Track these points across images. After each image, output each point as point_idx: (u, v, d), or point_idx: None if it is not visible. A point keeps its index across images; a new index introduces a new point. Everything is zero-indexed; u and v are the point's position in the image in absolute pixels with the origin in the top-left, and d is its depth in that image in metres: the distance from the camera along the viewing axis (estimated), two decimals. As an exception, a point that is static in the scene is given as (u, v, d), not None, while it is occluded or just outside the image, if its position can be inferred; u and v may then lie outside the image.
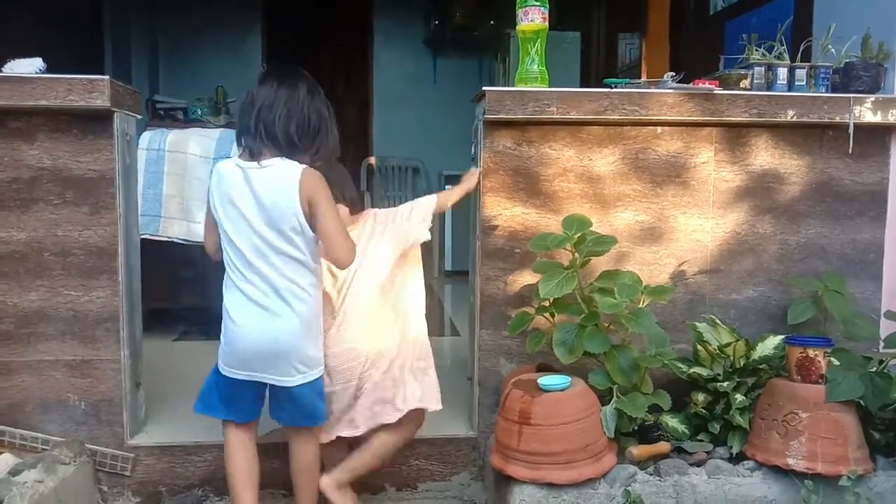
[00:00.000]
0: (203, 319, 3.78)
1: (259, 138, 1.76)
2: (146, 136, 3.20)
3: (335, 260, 1.79)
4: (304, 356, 1.79)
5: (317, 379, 1.83)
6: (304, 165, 1.76)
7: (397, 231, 2.00)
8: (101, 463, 2.15)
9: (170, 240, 3.19)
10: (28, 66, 2.09)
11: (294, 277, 1.76)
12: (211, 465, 2.18)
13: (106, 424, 2.17)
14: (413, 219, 2.03)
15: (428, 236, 2.02)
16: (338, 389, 1.94)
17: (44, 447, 2.10)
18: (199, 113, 4.35)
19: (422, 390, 1.99)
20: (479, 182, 2.21)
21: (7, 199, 2.11)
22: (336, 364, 1.92)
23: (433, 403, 2.00)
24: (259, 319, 1.76)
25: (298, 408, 1.83)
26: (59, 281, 2.14)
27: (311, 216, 1.74)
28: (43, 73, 2.09)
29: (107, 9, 5.45)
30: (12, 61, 2.12)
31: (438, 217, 6.23)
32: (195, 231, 3.18)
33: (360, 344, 1.93)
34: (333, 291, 1.95)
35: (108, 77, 2.04)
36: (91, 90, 2.02)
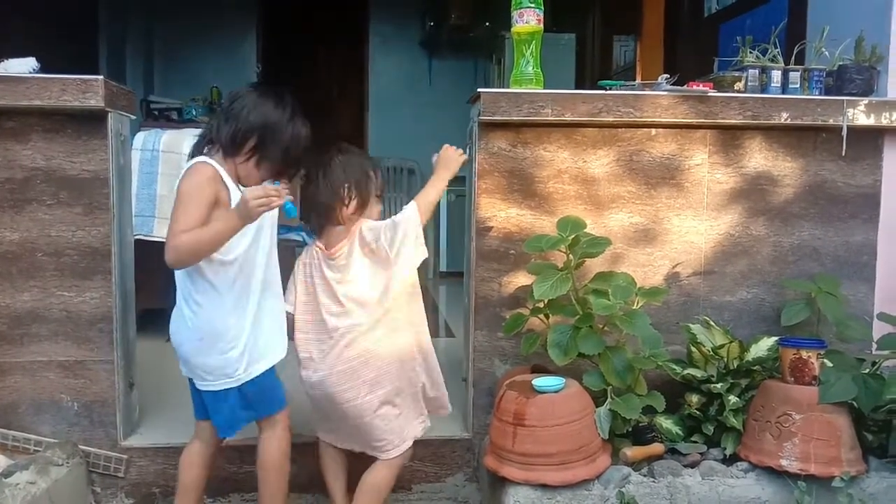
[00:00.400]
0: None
1: (199, 139, 1.84)
2: (140, 137, 3.19)
3: None
4: (202, 364, 1.79)
5: (224, 390, 1.79)
6: (198, 160, 1.77)
7: (388, 264, 1.88)
8: (94, 464, 2.14)
9: (164, 240, 3.17)
10: (22, 66, 2.09)
11: (187, 282, 1.78)
12: (205, 467, 2.17)
13: (99, 425, 2.17)
14: (404, 250, 1.87)
15: (426, 254, 1.91)
16: (343, 407, 1.87)
17: (36, 448, 2.09)
18: (194, 113, 4.36)
19: (424, 416, 1.99)
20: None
21: (0, 200, 2.10)
22: (336, 382, 1.86)
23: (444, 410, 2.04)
24: (172, 318, 1.85)
25: (212, 412, 1.85)
26: (53, 281, 2.13)
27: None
28: (37, 72, 2.08)
29: (102, 9, 5.44)
30: (6, 61, 2.11)
31: (433, 218, 6.17)
32: (189, 232, 3.18)
33: (362, 365, 1.86)
34: (332, 313, 1.88)
35: (101, 77, 2.03)
36: (85, 90, 2.02)
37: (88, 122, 2.09)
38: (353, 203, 1.90)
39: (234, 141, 1.76)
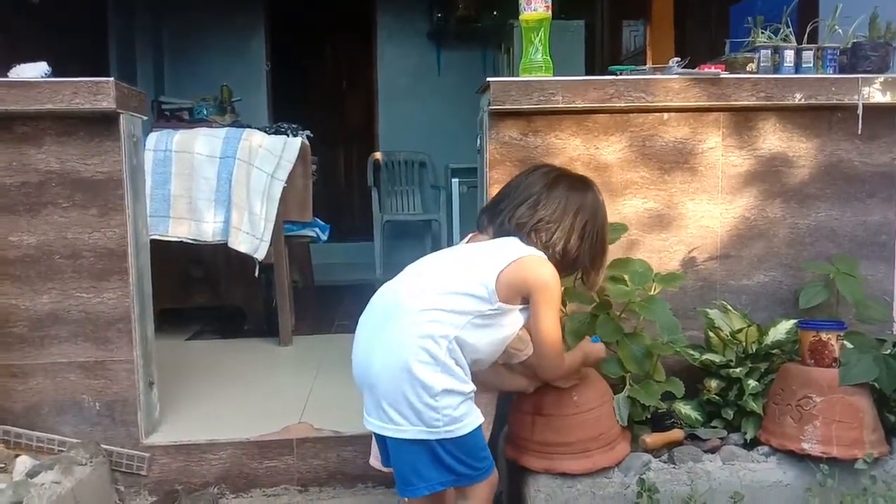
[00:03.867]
0: (216, 318, 3.81)
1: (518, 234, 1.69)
2: (153, 137, 3.22)
3: None
4: None
5: None
6: (543, 256, 1.64)
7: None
8: (117, 463, 2.16)
9: (179, 240, 3.20)
10: (34, 71, 2.10)
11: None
12: (226, 463, 2.19)
13: (121, 425, 2.19)
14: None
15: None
16: None
17: (60, 449, 2.12)
18: (205, 113, 4.37)
19: None
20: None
21: (17, 204, 2.12)
22: None
23: None
24: None
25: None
26: (71, 283, 2.15)
27: None
28: (48, 76, 2.10)
29: (111, 11, 5.47)
30: (18, 66, 2.13)
31: (446, 206, 6.13)
32: (204, 230, 3.20)
33: None
34: None
35: (112, 79, 2.04)
36: (96, 92, 2.03)
37: (101, 124, 2.11)
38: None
39: (580, 263, 1.69)
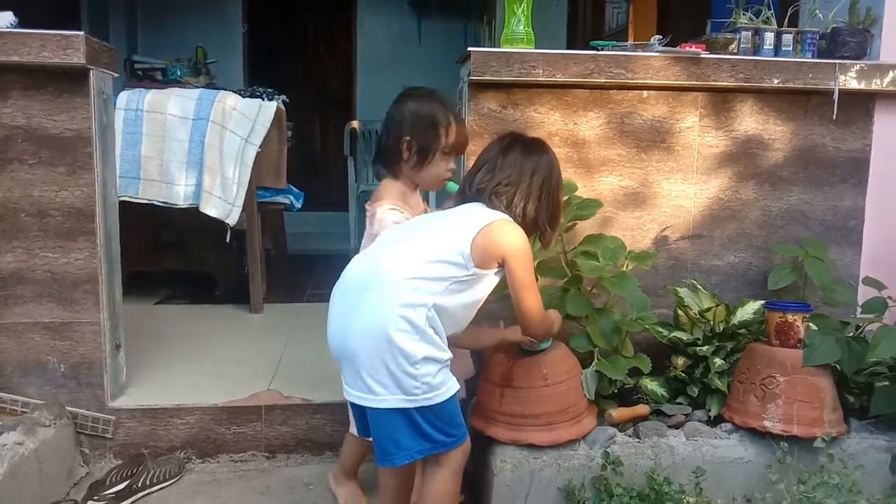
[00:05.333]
0: (186, 283, 3.77)
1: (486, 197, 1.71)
2: (124, 96, 3.14)
3: None
4: None
5: None
6: (509, 218, 1.68)
7: None
8: (82, 425, 2.14)
9: (149, 202, 3.14)
10: (-1, 21, 2.03)
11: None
12: (193, 428, 2.18)
13: (86, 387, 2.16)
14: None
15: None
16: None
17: (24, 410, 2.09)
18: (179, 74, 4.28)
19: None
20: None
21: (-19, 159, 2.06)
22: None
23: None
24: None
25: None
26: (37, 242, 2.10)
27: None
28: (15, 27, 2.03)
29: (82, -35, 5.30)
30: (-18, 15, 2.05)
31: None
32: (175, 194, 3.14)
33: None
34: None
35: (83, 33, 1.98)
36: (66, 46, 1.97)
37: (70, 79, 2.05)
38: (413, 158, 1.82)
39: (540, 223, 1.70)
